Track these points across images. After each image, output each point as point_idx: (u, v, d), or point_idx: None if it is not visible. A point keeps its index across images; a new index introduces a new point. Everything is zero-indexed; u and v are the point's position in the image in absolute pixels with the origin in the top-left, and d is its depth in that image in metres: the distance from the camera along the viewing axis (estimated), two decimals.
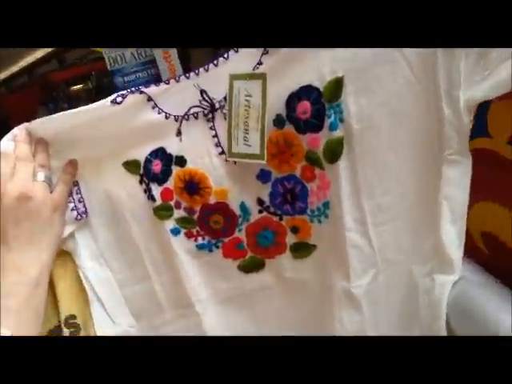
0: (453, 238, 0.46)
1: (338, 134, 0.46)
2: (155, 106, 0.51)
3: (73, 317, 0.56)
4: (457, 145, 0.44)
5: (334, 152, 0.46)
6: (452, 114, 0.43)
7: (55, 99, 1.33)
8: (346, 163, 0.47)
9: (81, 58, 1.31)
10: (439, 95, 0.43)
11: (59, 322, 0.56)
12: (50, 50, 1.27)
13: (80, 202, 0.55)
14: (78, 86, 1.20)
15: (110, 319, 0.57)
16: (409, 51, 0.43)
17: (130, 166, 0.54)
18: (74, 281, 0.57)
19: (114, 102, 0.50)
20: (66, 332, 0.55)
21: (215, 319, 0.57)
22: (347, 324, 0.51)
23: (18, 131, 0.53)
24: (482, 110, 0.44)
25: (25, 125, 0.53)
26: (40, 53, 1.34)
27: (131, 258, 0.57)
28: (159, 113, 0.51)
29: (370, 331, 0.52)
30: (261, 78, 0.47)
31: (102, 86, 1.12)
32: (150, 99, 0.51)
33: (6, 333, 0.45)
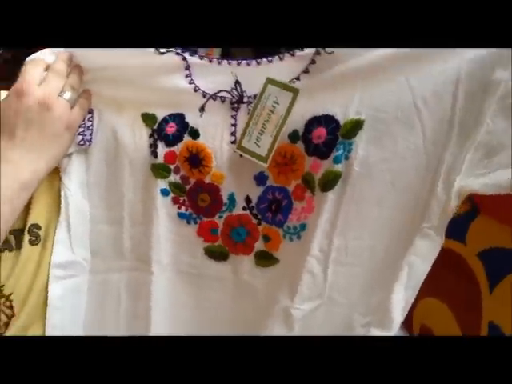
0: (401, 301, 0.48)
1: (338, 168, 0.48)
2: (189, 75, 0.54)
3: (37, 226, 0.59)
4: (437, 221, 0.46)
5: (329, 183, 0.49)
6: (443, 193, 0.45)
7: None
8: (335, 197, 0.49)
9: None
10: (439, 172, 0.45)
11: (24, 226, 0.59)
12: None
13: (89, 129, 0.58)
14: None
15: (70, 245, 0.60)
16: (427, 123, 0.45)
17: (147, 118, 0.57)
18: (52, 196, 0.60)
19: (157, 50, 0.53)
20: (26, 237, 0.58)
21: (164, 285, 0.59)
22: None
23: (63, 50, 0.56)
24: (469, 216, 0.46)
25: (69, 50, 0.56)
26: None
27: (113, 199, 0.59)
28: (190, 83, 0.54)
29: None
30: (293, 91, 0.49)
31: None
32: (187, 68, 0.54)
33: None
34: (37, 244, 0.59)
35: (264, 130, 0.51)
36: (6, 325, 0.57)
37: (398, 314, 0.47)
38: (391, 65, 0.46)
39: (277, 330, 0.53)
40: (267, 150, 0.50)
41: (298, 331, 0.52)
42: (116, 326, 0.60)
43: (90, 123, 0.58)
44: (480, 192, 0.43)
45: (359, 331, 0.50)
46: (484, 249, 0.48)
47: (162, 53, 0.53)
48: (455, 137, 0.44)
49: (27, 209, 0.59)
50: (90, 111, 0.58)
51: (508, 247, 0.46)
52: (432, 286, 0.49)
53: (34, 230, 0.59)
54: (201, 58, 0.53)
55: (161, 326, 0.59)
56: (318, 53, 0.49)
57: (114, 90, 0.57)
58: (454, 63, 0.44)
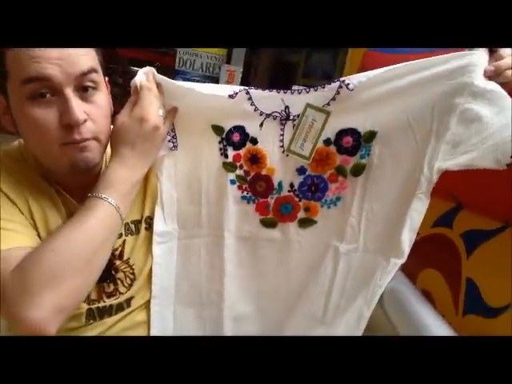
0: (407, 239, 0.75)
1: (364, 161, 0.77)
2: (253, 103, 0.79)
3: (150, 218, 0.83)
4: (425, 189, 0.73)
5: (359, 170, 0.77)
6: (428, 172, 0.72)
7: (112, 70, 1.41)
8: (362, 179, 0.77)
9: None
10: (425, 159, 0.72)
11: (141, 217, 0.83)
12: None
13: (174, 138, 0.80)
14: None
15: (164, 220, 0.84)
16: (416, 131, 0.72)
17: (216, 129, 0.81)
18: (154, 190, 0.83)
19: (230, 96, 0.77)
20: (142, 225, 0.83)
21: (231, 245, 0.85)
22: (328, 272, 0.81)
23: (149, 71, 0.75)
24: (455, 210, 0.77)
25: (152, 70, 0.77)
26: None
27: (193, 187, 0.84)
28: (251, 105, 0.79)
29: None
30: (326, 113, 0.76)
31: None
32: (250, 98, 0.78)
33: (111, 201, 0.68)
34: (150, 230, 0.83)
35: (306, 138, 0.77)
36: (130, 285, 0.81)
37: (406, 247, 0.74)
38: (392, 96, 0.73)
39: (328, 264, 0.81)
40: (310, 152, 0.77)
41: (341, 266, 0.80)
42: (198, 276, 0.86)
43: (174, 133, 0.80)
44: (449, 169, 0.71)
45: (381, 262, 0.77)
46: (465, 230, 0.78)
47: (232, 97, 0.77)
48: (433, 138, 0.72)
49: (142, 205, 0.83)
50: (173, 124, 0.80)
51: (480, 228, 0.76)
52: (429, 260, 0.78)
53: (149, 220, 0.83)
54: (257, 89, 0.78)
55: (230, 275, 0.85)
56: (340, 86, 0.75)
57: (190, 110, 0.80)
58: (430, 95, 0.71)
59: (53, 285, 0.61)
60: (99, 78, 0.71)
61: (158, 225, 0.83)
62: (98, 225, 0.67)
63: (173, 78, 0.77)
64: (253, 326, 0.88)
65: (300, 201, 0.82)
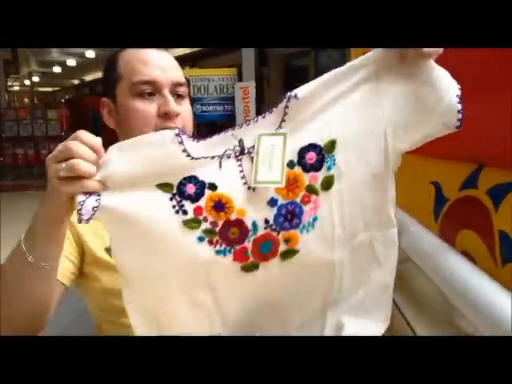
0: (391, 211, 0.78)
1: (331, 172, 0.74)
2: (197, 158, 0.73)
3: None
4: (392, 173, 0.76)
5: (330, 183, 0.74)
6: (393, 157, 0.75)
7: None
8: (336, 189, 0.75)
9: None
10: (388, 149, 0.75)
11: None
12: None
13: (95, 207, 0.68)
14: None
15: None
16: (374, 125, 0.74)
17: (164, 186, 0.73)
18: None
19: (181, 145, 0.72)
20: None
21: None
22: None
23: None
24: (477, 171, 0.82)
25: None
26: None
27: (143, 259, 0.73)
28: (198, 159, 0.73)
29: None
30: (283, 134, 0.73)
31: None
32: (184, 150, 0.72)
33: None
34: None
35: (271, 163, 0.73)
36: None
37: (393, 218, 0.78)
38: (339, 99, 0.73)
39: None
40: (280, 176, 0.72)
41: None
42: None
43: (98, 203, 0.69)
44: (403, 151, 0.75)
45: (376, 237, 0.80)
46: (489, 187, 0.82)
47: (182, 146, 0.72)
48: (388, 127, 0.74)
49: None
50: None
51: (503, 182, 0.80)
52: (462, 222, 0.87)
53: None
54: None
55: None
56: (287, 106, 0.74)
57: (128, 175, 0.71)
58: (374, 87, 0.74)
59: None
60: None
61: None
62: (7, 266, 0.74)
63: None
64: None
65: (279, 234, 0.76)
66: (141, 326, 0.76)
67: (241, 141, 0.73)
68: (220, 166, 0.73)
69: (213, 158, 0.73)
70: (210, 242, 0.74)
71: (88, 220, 0.68)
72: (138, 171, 0.71)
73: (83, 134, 0.68)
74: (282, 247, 0.77)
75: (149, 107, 0.89)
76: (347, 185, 0.75)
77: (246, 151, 0.74)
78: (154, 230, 0.72)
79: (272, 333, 0.81)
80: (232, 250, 0.76)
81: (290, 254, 0.77)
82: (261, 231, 0.76)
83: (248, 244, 0.76)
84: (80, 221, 0.68)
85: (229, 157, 0.74)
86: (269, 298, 0.80)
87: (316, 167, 0.74)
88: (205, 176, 0.74)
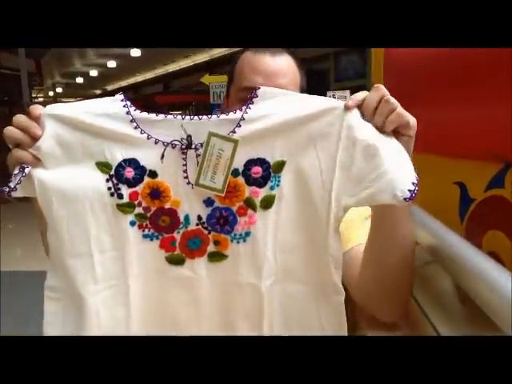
0: (337, 277, 0.73)
1: (274, 193, 0.72)
2: (138, 127, 0.70)
3: None
4: (334, 228, 0.71)
5: (270, 203, 0.72)
6: (335, 208, 0.70)
7: None
8: (274, 210, 0.72)
9: (185, 86, 1.39)
10: (331, 194, 0.70)
11: None
12: (158, 73, 1.38)
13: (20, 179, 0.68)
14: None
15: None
16: (324, 161, 0.70)
17: (102, 166, 0.71)
18: None
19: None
20: None
21: (139, 289, 0.76)
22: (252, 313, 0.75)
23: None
24: (504, 170, 0.78)
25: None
26: (150, 74, 1.43)
27: (77, 237, 0.72)
28: (142, 133, 0.70)
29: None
30: (234, 141, 0.69)
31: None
32: (133, 120, 0.70)
33: None
34: None
35: (216, 170, 0.70)
36: None
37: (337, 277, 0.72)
38: (298, 124, 0.69)
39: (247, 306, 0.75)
40: (222, 185, 0.70)
41: (266, 303, 0.74)
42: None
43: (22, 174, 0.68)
44: (354, 206, 0.71)
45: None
46: None
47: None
48: (338, 171, 0.69)
49: None
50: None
51: None
52: (489, 222, 0.85)
53: None
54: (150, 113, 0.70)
55: (138, 323, 0.76)
56: (246, 112, 0.69)
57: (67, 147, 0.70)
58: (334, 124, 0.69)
59: None
60: None
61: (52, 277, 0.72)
62: None
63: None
64: None
65: (209, 233, 0.75)
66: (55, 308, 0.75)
67: (189, 137, 0.70)
68: (162, 157, 0.71)
69: (156, 142, 0.71)
70: (140, 226, 0.74)
71: (13, 190, 0.67)
72: (77, 141, 0.70)
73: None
74: (211, 248, 0.76)
75: None
76: (285, 211, 0.73)
77: (193, 146, 0.71)
78: (86, 210, 0.71)
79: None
80: (160, 237, 0.75)
81: (217, 256, 0.76)
82: (192, 226, 0.75)
83: (177, 235, 0.75)
84: (9, 192, 0.67)
85: (174, 147, 0.71)
86: (195, 303, 0.77)
87: (259, 183, 0.71)
88: (146, 162, 0.71)
